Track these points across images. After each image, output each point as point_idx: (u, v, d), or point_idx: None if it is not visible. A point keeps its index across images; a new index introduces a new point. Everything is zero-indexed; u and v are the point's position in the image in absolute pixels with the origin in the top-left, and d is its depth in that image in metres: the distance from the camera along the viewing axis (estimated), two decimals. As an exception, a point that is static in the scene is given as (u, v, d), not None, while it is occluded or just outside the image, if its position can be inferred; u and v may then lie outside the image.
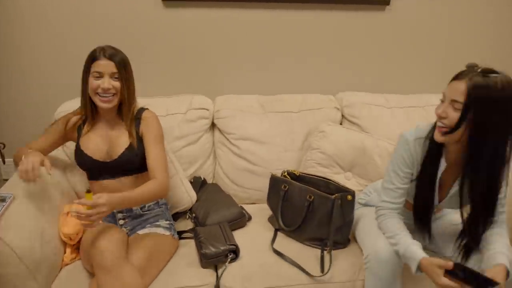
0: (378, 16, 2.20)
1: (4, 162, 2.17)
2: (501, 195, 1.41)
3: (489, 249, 1.38)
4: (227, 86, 2.25)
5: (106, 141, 1.64)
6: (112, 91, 1.56)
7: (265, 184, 1.89)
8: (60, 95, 2.15)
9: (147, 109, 1.71)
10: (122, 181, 1.65)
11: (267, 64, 2.25)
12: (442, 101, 1.34)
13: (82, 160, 1.64)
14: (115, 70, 1.55)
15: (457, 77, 1.29)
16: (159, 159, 1.62)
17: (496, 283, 1.24)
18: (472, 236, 1.44)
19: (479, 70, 1.27)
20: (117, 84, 1.56)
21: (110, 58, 1.54)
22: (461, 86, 1.26)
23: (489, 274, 1.27)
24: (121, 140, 1.64)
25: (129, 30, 2.10)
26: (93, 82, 1.55)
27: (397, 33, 2.26)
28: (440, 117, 1.33)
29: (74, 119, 1.68)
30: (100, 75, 1.54)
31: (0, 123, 2.21)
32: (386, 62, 2.32)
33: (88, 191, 1.38)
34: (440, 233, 1.60)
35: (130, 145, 1.63)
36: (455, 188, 1.47)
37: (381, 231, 1.51)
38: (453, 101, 1.28)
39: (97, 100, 1.57)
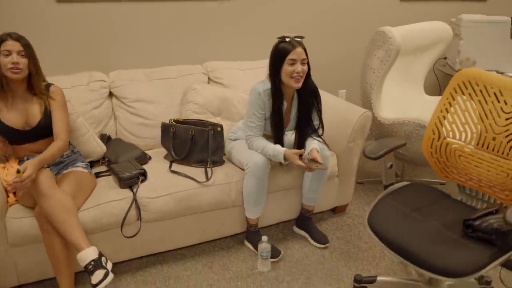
0: (225, 5, 2.86)
1: None
2: (316, 122, 2.23)
3: (308, 145, 2.20)
4: (116, 64, 2.68)
5: (23, 113, 1.97)
6: (20, 66, 1.85)
7: (157, 133, 2.43)
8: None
9: (52, 84, 2.06)
10: (39, 143, 2.05)
11: (148, 44, 2.74)
12: (293, 64, 2.01)
13: (4, 130, 1.97)
14: (21, 48, 1.85)
15: (292, 47, 2.00)
16: (63, 122, 2.01)
17: (316, 162, 2.04)
18: (300, 139, 2.25)
19: (294, 37, 2.04)
20: (24, 60, 1.87)
21: (17, 39, 1.85)
22: (300, 50, 2.01)
23: (311, 156, 2.08)
24: (35, 111, 1.98)
25: (28, 22, 2.41)
26: (4, 60, 1.84)
27: (241, 17, 2.94)
28: (296, 73, 2.02)
29: None
30: (9, 53, 1.84)
31: None
32: (236, 38, 2.98)
33: (18, 171, 1.70)
34: (287, 145, 2.29)
35: (45, 115, 1.99)
36: (292, 114, 2.23)
37: (253, 150, 2.17)
38: (303, 60, 2.03)
39: (9, 74, 1.86)
